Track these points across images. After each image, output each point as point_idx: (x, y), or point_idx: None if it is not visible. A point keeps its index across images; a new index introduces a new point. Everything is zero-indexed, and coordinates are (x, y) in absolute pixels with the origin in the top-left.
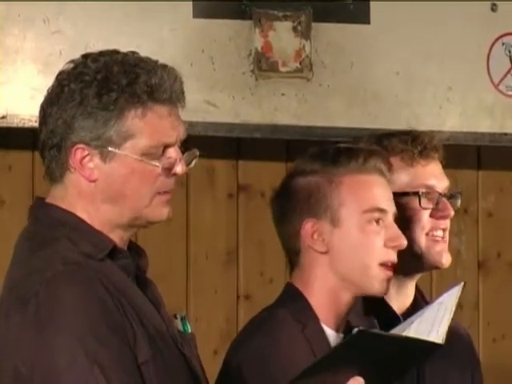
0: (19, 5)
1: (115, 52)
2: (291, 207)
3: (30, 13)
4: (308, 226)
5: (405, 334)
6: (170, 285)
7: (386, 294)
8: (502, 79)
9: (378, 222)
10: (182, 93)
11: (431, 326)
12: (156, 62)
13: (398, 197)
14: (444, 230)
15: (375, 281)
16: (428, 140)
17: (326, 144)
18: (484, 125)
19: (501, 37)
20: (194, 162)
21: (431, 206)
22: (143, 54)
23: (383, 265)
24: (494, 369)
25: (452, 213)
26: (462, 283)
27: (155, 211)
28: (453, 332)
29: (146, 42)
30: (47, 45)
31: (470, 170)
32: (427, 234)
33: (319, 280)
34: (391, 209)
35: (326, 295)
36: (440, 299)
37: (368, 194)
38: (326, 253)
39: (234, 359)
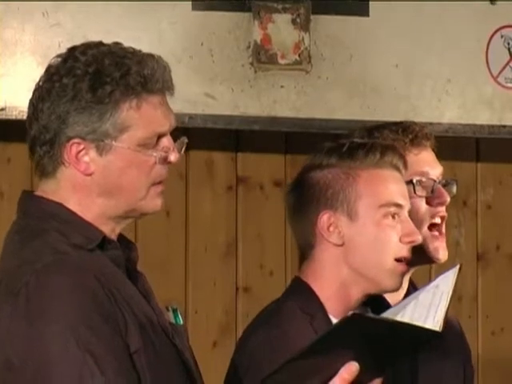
0: None
1: (100, 44)
2: (308, 200)
3: (29, 6)
4: (324, 218)
5: (399, 317)
6: (169, 277)
7: (398, 289)
8: (501, 71)
9: (393, 216)
10: (171, 81)
11: (427, 311)
12: (141, 51)
13: None
14: (442, 218)
15: (389, 275)
16: (419, 129)
17: (340, 139)
18: (483, 117)
19: (500, 29)
20: (183, 150)
21: (426, 193)
22: (142, 46)
23: (398, 260)
24: (493, 362)
25: (448, 199)
26: (458, 266)
27: (150, 203)
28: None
29: (146, 35)
30: (46, 37)
31: (468, 162)
32: (425, 225)
33: (331, 273)
34: (407, 204)
35: (336, 289)
36: (435, 282)
37: (384, 188)
38: (341, 245)
39: (243, 352)
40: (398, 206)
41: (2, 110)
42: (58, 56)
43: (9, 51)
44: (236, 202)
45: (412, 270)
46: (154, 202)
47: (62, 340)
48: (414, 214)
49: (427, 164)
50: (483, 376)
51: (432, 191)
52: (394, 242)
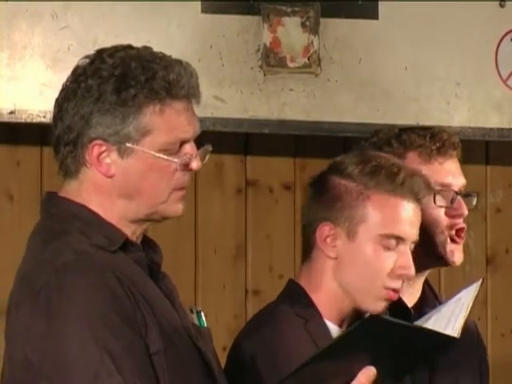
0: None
1: (129, 47)
2: (317, 203)
3: (38, 8)
4: (324, 229)
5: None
6: (179, 280)
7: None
8: (511, 74)
9: (392, 248)
10: (198, 88)
11: (447, 321)
12: (170, 57)
13: None
14: (460, 230)
15: (373, 300)
16: (447, 137)
17: (379, 158)
18: (492, 120)
19: (509, 32)
20: (206, 158)
21: (446, 204)
22: None
23: (387, 289)
24: (503, 363)
25: (466, 212)
26: (481, 280)
27: (171, 207)
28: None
29: (155, 38)
30: (55, 40)
31: (478, 165)
32: (443, 233)
33: (323, 282)
34: (412, 237)
35: (328, 297)
36: (458, 296)
37: (392, 218)
38: (334, 259)
39: (238, 355)
40: (400, 239)
41: (12, 113)
42: (86, 57)
43: (18, 54)
44: (245, 204)
45: (427, 273)
46: (175, 207)
47: (80, 339)
48: (432, 224)
49: (451, 174)
50: (493, 377)
51: (452, 202)
52: (386, 273)
